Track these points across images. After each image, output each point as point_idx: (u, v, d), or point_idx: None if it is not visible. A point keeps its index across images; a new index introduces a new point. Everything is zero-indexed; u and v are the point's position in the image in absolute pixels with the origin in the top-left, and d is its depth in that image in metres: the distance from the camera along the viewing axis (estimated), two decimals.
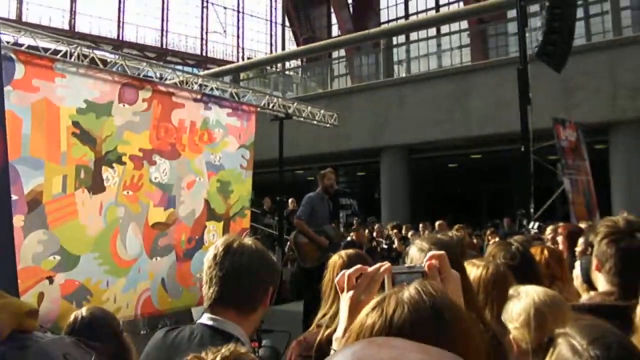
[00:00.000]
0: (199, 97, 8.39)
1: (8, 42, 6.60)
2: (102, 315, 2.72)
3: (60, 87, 6.61)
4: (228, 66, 29.55)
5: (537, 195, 10.51)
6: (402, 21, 32.34)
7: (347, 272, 1.42)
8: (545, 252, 3.70)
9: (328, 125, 11.92)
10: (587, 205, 11.57)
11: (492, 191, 24.51)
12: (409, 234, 13.61)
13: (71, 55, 7.07)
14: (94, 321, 2.64)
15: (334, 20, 37.24)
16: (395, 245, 13.41)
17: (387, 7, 35.03)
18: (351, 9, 35.44)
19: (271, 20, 41.47)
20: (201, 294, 2.33)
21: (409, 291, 1.11)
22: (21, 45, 6.74)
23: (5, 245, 2.48)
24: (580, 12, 15.77)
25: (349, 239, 12.72)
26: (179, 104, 7.99)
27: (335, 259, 3.16)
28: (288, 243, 11.87)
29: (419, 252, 2.36)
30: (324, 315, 2.81)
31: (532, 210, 10.33)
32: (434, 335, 1.00)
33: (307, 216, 8.51)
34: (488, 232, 13.28)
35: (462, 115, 17.32)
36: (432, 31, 24.46)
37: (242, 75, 26.59)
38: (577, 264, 3.64)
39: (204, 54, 37.71)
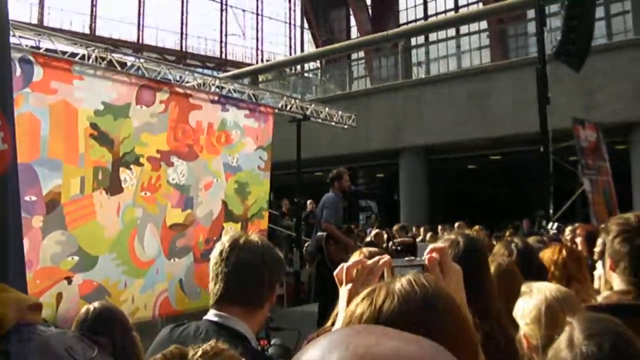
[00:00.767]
0: (216, 98, 8.42)
1: (28, 46, 6.67)
2: (112, 309, 2.74)
3: (78, 89, 6.66)
4: (246, 68, 29.63)
5: (556, 196, 10.43)
6: (421, 22, 32.26)
7: (346, 265, 1.40)
8: (564, 251, 3.66)
9: (346, 126, 11.91)
10: (608, 206, 11.45)
11: (511, 192, 24.35)
12: (427, 235, 13.53)
13: (89, 58, 7.13)
14: (104, 316, 2.65)
15: (352, 22, 37.21)
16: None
17: (406, 9, 34.93)
18: (370, 11, 35.41)
19: (290, 23, 41.53)
20: None
21: (401, 282, 1.08)
22: (40, 48, 6.81)
23: (15, 248, 2.49)
24: (600, 12, 15.67)
25: (368, 239, 12.70)
26: (196, 106, 8.02)
27: (357, 255, 3.14)
28: (306, 245, 11.87)
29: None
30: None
31: (551, 212, 10.25)
32: (423, 327, 0.95)
33: (334, 219, 8.50)
34: (507, 233, 13.19)
35: (481, 116, 17.22)
36: (452, 32, 24.40)
37: (260, 77, 26.67)
38: (599, 264, 3.60)
39: (223, 56, 37.82)
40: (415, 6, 34.58)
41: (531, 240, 3.92)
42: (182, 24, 36.18)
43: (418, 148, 19.09)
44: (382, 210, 26.46)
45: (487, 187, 24.46)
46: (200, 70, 18.15)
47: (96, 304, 2.74)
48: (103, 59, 7.26)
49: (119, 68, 7.41)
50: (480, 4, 28.89)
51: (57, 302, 6.23)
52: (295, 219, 12.59)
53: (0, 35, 2.78)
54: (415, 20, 33.59)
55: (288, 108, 10.37)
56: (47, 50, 6.76)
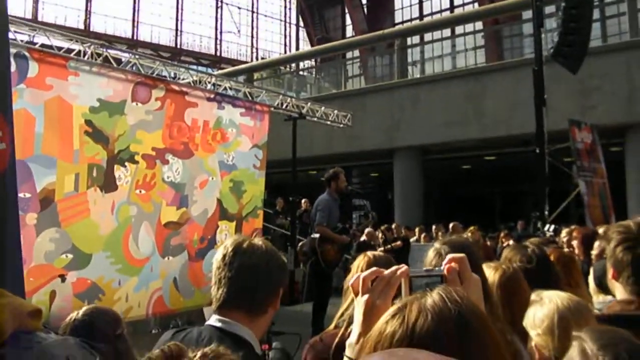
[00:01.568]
0: (212, 96, 8.37)
1: (22, 41, 6.61)
2: (95, 318, 2.67)
3: (74, 85, 6.60)
4: (242, 66, 29.58)
5: (551, 197, 10.42)
6: (416, 22, 32.28)
7: (362, 274, 1.36)
8: (552, 256, 3.62)
9: (341, 125, 11.89)
10: (603, 208, 11.46)
11: (506, 193, 24.42)
12: (422, 236, 13.52)
13: (85, 54, 7.07)
14: (85, 325, 2.59)
15: (348, 20, 37.17)
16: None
17: (402, 8, 34.94)
18: (365, 10, 35.39)
19: (285, 21, 41.49)
20: None
21: (433, 298, 1.04)
22: (35, 44, 6.75)
23: (12, 247, 2.44)
24: (596, 14, 15.65)
25: (362, 239, 12.70)
26: (192, 103, 7.97)
27: (361, 259, 3.07)
28: (300, 244, 11.84)
29: (434, 257, 2.30)
30: (342, 314, 2.74)
31: (546, 213, 10.24)
32: (458, 346, 0.94)
33: (326, 221, 8.48)
34: (502, 234, 13.21)
35: (477, 116, 17.22)
36: (447, 32, 24.36)
37: (255, 75, 26.60)
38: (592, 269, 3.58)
39: (218, 54, 37.75)
40: (410, 5, 34.59)
41: (533, 242, 3.85)
42: (177, 20, 36.09)
43: (413, 148, 19.07)
44: (376, 210, 26.47)
45: (481, 187, 24.49)
46: (194, 67, 18.08)
47: (79, 313, 2.67)
48: (99, 55, 7.21)
49: (114, 64, 7.36)
50: (476, 4, 28.91)
51: (51, 300, 6.18)
52: (290, 218, 12.55)
53: None
54: (411, 20, 33.61)
55: (284, 106, 10.35)
56: (42, 45, 6.69)
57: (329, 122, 11.63)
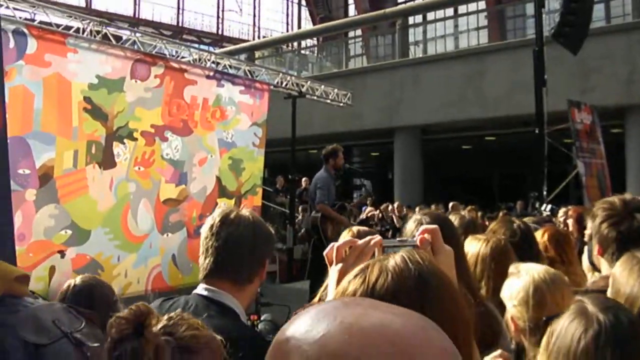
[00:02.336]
0: (211, 74, 8.37)
1: (22, 18, 6.62)
2: (93, 284, 2.73)
3: (73, 62, 6.61)
4: (243, 44, 29.44)
5: (550, 178, 10.46)
6: (419, 1, 32.01)
7: (336, 244, 1.39)
8: (546, 234, 3.66)
9: (342, 104, 11.88)
10: (601, 188, 11.48)
11: (505, 173, 24.41)
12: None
13: (84, 31, 7.07)
14: (85, 290, 2.65)
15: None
16: (395, 221, 13.27)
17: None
18: None
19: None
20: None
21: (395, 259, 1.08)
22: (35, 21, 6.75)
23: (3, 220, 2.49)
24: None
25: (362, 216, 12.73)
26: (191, 81, 7.98)
27: (346, 232, 3.14)
28: (299, 221, 11.87)
29: (415, 227, 2.34)
30: (326, 288, 2.79)
31: (545, 193, 10.29)
32: (417, 304, 0.94)
33: (327, 199, 8.52)
34: (501, 214, 13.23)
35: (477, 96, 17.21)
36: (450, 11, 24.26)
37: (257, 54, 26.53)
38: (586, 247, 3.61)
39: (220, 32, 37.60)
40: None
41: (526, 220, 3.89)
42: None
43: (413, 127, 19.07)
44: (376, 189, 26.50)
45: (481, 167, 24.48)
46: (196, 45, 18.01)
47: (77, 280, 2.73)
48: (98, 32, 7.21)
49: (114, 42, 7.36)
50: None
51: (50, 276, 6.23)
52: (289, 196, 12.58)
53: None
54: None
55: (284, 85, 10.34)
56: (41, 22, 6.69)
57: (329, 101, 11.62)
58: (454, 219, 3.25)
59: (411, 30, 22.55)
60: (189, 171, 7.84)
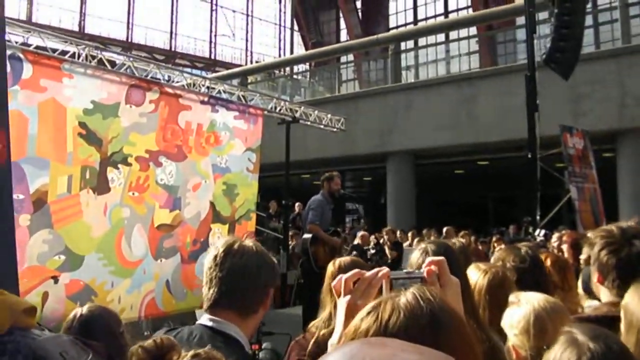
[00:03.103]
0: (206, 99, 8.40)
1: (17, 42, 6.63)
2: (100, 314, 2.71)
3: (68, 87, 6.62)
4: (236, 69, 29.57)
5: (543, 202, 10.48)
6: (410, 27, 32.32)
7: (345, 276, 1.38)
8: (548, 260, 3.67)
9: (335, 129, 11.92)
10: (594, 213, 11.52)
11: (498, 198, 24.47)
12: (415, 240, 13.54)
13: (79, 56, 7.09)
14: (92, 320, 2.64)
15: (342, 25, 37.17)
16: (387, 252, 13.27)
17: (396, 13, 34.97)
18: (360, 14, 35.42)
19: (280, 24, 41.52)
20: None
21: (406, 296, 1.08)
22: (30, 45, 6.76)
23: (7, 245, 2.47)
24: (589, 20, 15.77)
25: (356, 242, 12.74)
26: (186, 106, 8.00)
27: (331, 266, 3.17)
28: (291, 245, 11.84)
29: (421, 256, 2.34)
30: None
31: (538, 218, 10.30)
32: (430, 342, 0.93)
33: (319, 220, 8.52)
34: (494, 238, 13.25)
35: (469, 121, 17.29)
36: (441, 37, 24.46)
37: (250, 78, 26.62)
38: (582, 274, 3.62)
39: (212, 57, 37.76)
40: (405, 10, 34.62)
41: (525, 245, 3.90)
42: (171, 23, 36.08)
43: (406, 152, 19.12)
44: (369, 214, 26.51)
45: (474, 192, 24.54)
46: (189, 70, 18.09)
47: (84, 309, 2.71)
48: (93, 57, 7.23)
49: (109, 67, 7.38)
50: (470, 10, 29.00)
51: (43, 302, 6.19)
52: (283, 221, 12.56)
53: None
54: (405, 25, 33.66)
55: (277, 110, 10.37)
56: (37, 47, 6.71)
57: (322, 126, 11.65)
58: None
59: (403, 56, 22.68)
60: (182, 196, 7.83)
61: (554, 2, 10.36)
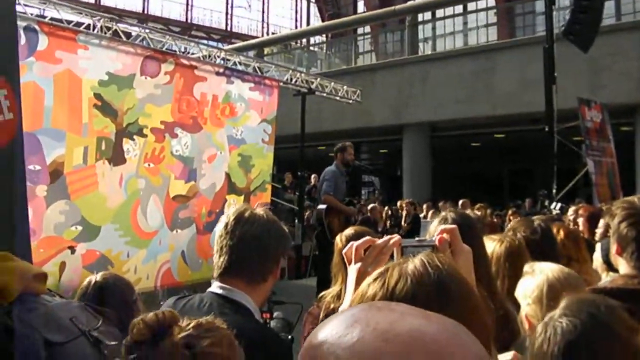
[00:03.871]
0: (221, 70, 8.38)
1: (32, 14, 6.64)
2: (114, 282, 2.74)
3: (83, 58, 6.63)
4: (252, 41, 29.44)
5: (560, 176, 10.41)
6: None
7: (356, 243, 1.38)
8: (562, 232, 3.66)
9: (351, 101, 11.88)
10: (611, 187, 11.43)
11: (514, 171, 24.32)
12: (430, 213, 13.51)
13: (94, 28, 7.09)
14: (105, 287, 2.66)
15: None
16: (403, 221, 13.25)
17: None
18: None
19: None
20: None
21: (414, 263, 1.07)
22: (45, 17, 6.77)
23: (20, 214, 2.49)
24: None
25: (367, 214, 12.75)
26: (201, 78, 7.99)
27: (340, 235, 3.17)
28: (307, 215, 11.88)
29: (439, 224, 2.33)
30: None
31: (554, 191, 10.25)
32: (436, 310, 0.95)
33: (333, 190, 8.52)
34: (509, 212, 13.20)
35: (487, 94, 17.14)
36: (459, 9, 24.18)
37: (266, 50, 26.49)
38: (598, 246, 3.60)
39: (228, 28, 37.62)
40: None
41: (539, 218, 3.89)
42: None
43: (422, 124, 19.03)
44: (385, 186, 26.47)
45: (490, 165, 24.41)
46: (205, 42, 18.03)
47: (98, 276, 2.73)
48: (108, 29, 7.23)
49: (124, 38, 7.37)
50: None
51: (60, 272, 6.26)
52: (298, 193, 12.59)
53: (5, 6, 2.76)
54: None
55: (293, 81, 10.34)
56: (52, 19, 6.71)
57: (338, 98, 11.62)
58: None
59: (420, 27, 22.48)
60: (198, 167, 7.86)
61: None
